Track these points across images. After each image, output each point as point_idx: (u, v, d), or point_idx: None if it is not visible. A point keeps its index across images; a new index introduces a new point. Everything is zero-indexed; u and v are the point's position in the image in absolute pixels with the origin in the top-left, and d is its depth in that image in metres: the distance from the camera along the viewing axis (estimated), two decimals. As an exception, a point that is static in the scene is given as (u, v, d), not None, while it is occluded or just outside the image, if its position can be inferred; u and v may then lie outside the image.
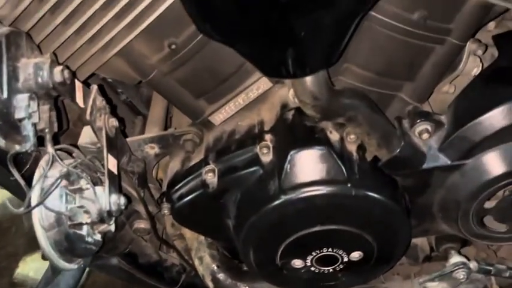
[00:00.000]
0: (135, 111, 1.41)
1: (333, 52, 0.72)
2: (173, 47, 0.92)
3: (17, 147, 0.74)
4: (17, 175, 0.75)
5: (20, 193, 1.01)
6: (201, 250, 1.21)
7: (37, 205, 0.73)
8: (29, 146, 0.72)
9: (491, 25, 1.05)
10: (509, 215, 0.99)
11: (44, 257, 0.90)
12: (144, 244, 1.24)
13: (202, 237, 1.21)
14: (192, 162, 1.07)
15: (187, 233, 1.23)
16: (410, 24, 0.85)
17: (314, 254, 0.99)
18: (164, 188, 1.10)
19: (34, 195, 0.75)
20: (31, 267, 2.22)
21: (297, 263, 1.01)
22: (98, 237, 0.86)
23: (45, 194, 0.74)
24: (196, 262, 1.21)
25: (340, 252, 0.99)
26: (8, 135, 0.73)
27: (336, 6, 0.65)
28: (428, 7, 0.84)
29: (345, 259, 1.00)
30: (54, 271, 0.89)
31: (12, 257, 2.28)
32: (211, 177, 0.99)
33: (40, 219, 0.76)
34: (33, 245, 2.30)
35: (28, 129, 0.72)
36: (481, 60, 0.98)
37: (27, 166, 0.92)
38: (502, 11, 0.90)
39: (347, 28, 0.69)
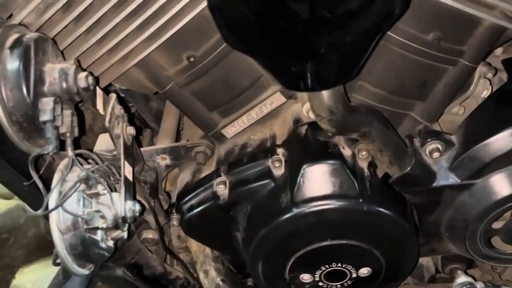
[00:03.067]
0: (143, 124, 1.43)
1: (352, 68, 0.74)
2: (191, 59, 0.94)
3: (38, 150, 0.75)
4: (36, 177, 0.75)
5: (32, 200, 1.01)
6: (206, 263, 1.20)
7: (57, 206, 0.74)
8: (51, 148, 0.73)
9: (499, 50, 1.08)
10: (517, 236, 1.00)
11: (55, 263, 0.90)
12: (150, 256, 1.24)
13: (208, 251, 1.21)
14: (203, 174, 1.08)
15: (193, 246, 1.23)
16: (424, 45, 0.88)
17: (323, 268, 1.00)
18: (174, 199, 1.11)
19: (52, 198, 0.76)
20: (28, 279, 2.20)
21: (306, 277, 1.02)
22: (111, 243, 0.87)
23: (64, 197, 0.75)
24: (202, 275, 1.21)
25: (349, 267, 0.99)
26: (31, 138, 0.75)
27: (358, 23, 0.67)
28: (443, 29, 0.87)
29: (354, 275, 1.01)
30: (65, 276, 0.89)
31: (9, 269, 2.26)
32: (222, 189, 1.01)
33: (57, 222, 0.77)
34: (30, 257, 2.29)
35: (51, 132, 0.73)
36: (490, 83, 1.01)
37: (41, 172, 0.93)
38: (512, 36, 0.93)
39: (367, 45, 0.71)
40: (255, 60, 0.75)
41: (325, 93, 0.79)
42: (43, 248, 2.29)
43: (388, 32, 0.87)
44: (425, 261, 1.21)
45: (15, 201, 2.43)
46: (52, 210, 0.74)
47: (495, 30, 0.87)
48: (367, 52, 0.71)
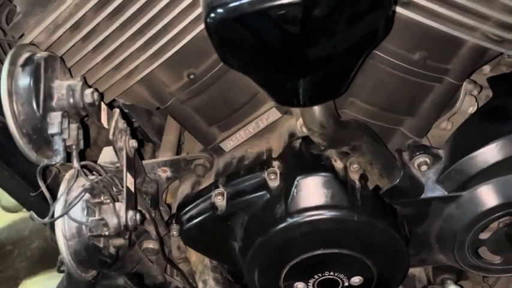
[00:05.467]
0: (146, 138, 1.48)
1: (340, 85, 0.79)
2: (192, 77, 0.99)
3: (47, 161, 0.80)
4: (43, 187, 0.80)
5: (37, 210, 1.06)
6: (205, 273, 1.24)
7: (63, 214, 0.78)
8: (59, 159, 0.78)
9: (487, 68, 1.13)
10: (503, 246, 1.03)
11: (60, 269, 0.94)
12: (151, 265, 1.27)
13: (207, 261, 1.25)
14: (202, 186, 1.12)
15: (193, 256, 1.27)
16: (411, 64, 0.93)
17: (316, 277, 1.03)
18: (174, 210, 1.16)
19: (58, 206, 0.80)
20: (31, 291, 2.23)
21: (300, 285, 1.05)
22: (113, 251, 0.91)
23: (69, 205, 0.80)
24: (200, 285, 1.24)
25: (341, 276, 1.03)
26: (40, 149, 0.80)
27: (345, 45, 0.72)
28: (428, 49, 0.92)
29: (346, 283, 1.04)
30: (69, 281, 0.93)
31: (13, 280, 2.29)
32: (220, 200, 1.05)
33: (63, 230, 0.81)
34: (34, 269, 2.33)
35: (59, 144, 0.78)
36: (476, 100, 1.05)
37: (47, 182, 0.98)
38: (496, 55, 0.98)
39: (354, 65, 0.76)
40: (251, 78, 0.79)
41: (316, 109, 0.84)
42: (46, 260, 2.33)
43: (377, 52, 0.92)
44: (417, 271, 1.24)
45: (20, 214, 2.47)
46: (58, 217, 0.79)
47: (478, 50, 0.92)
48: (354, 70, 0.76)
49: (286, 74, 0.76)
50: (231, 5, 0.65)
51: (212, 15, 0.66)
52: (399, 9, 0.85)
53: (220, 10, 0.66)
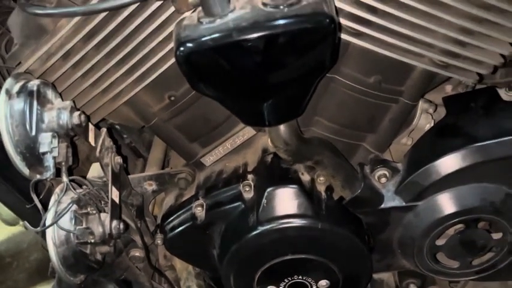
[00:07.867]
0: (137, 153, 1.58)
1: (299, 106, 0.88)
2: (172, 98, 1.09)
3: (38, 176, 0.90)
4: (36, 199, 0.90)
5: (32, 220, 1.15)
6: (189, 280, 1.33)
7: (52, 223, 0.88)
8: (49, 174, 0.88)
9: (449, 88, 1.23)
10: (459, 252, 1.12)
11: (51, 274, 1.04)
12: (138, 273, 1.36)
13: (190, 268, 1.34)
14: (185, 198, 1.22)
15: (178, 264, 1.36)
16: (367, 86, 1.03)
17: (286, 280, 1.12)
18: (159, 221, 1.25)
19: (49, 216, 0.90)
20: (29, 302, 2.31)
21: (272, 289, 1.14)
22: (99, 257, 1.00)
23: (59, 215, 0.89)
24: (185, 291, 1.33)
25: (310, 280, 1.12)
26: (32, 166, 0.90)
27: (298, 74, 0.82)
28: (382, 73, 1.02)
29: (314, 286, 1.13)
30: (60, 285, 1.03)
31: (11, 291, 2.37)
32: (200, 211, 1.14)
33: (52, 237, 0.91)
34: (32, 280, 2.40)
35: (49, 162, 0.88)
36: (432, 117, 1.15)
37: (42, 195, 1.08)
38: (446, 77, 1.08)
39: (308, 89, 0.85)
40: (219, 103, 0.89)
41: (280, 128, 0.93)
42: (44, 272, 2.39)
43: (337, 76, 1.02)
44: (385, 276, 1.32)
45: (19, 227, 2.54)
46: (48, 226, 0.89)
47: (427, 74, 1.02)
48: (308, 94, 0.86)
49: (249, 99, 0.86)
50: (197, 40, 0.76)
51: (181, 48, 0.76)
52: (353, 39, 0.95)
53: (188, 44, 0.76)
